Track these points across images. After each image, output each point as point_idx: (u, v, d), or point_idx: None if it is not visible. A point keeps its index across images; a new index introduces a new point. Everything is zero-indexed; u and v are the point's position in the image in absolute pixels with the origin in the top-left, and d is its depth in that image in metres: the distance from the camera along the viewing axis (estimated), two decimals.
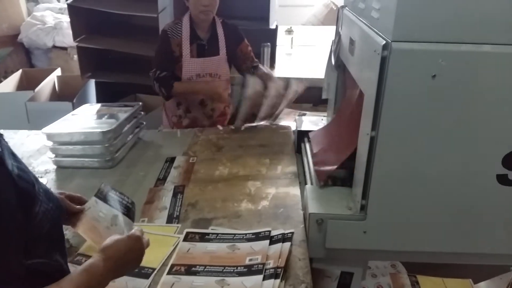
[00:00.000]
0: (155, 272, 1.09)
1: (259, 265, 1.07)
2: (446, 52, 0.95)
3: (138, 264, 0.85)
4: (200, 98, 2.08)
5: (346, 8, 1.45)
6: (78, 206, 0.93)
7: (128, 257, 0.81)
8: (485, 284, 1.63)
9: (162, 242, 1.20)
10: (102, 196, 0.95)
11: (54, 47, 4.03)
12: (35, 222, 0.69)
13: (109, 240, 0.81)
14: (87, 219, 0.92)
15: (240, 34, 2.09)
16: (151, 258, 1.13)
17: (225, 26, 2.05)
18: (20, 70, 3.43)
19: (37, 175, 1.27)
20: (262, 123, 1.91)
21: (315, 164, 1.39)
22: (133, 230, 0.87)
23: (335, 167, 1.25)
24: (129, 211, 0.97)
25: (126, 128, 1.74)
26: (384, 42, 0.96)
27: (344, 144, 1.29)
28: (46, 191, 0.78)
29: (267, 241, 1.15)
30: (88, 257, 1.13)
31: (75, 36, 2.84)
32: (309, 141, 1.58)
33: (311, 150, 1.50)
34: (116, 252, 0.79)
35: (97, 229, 0.91)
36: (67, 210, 0.92)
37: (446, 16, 0.93)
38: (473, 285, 1.61)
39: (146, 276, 1.08)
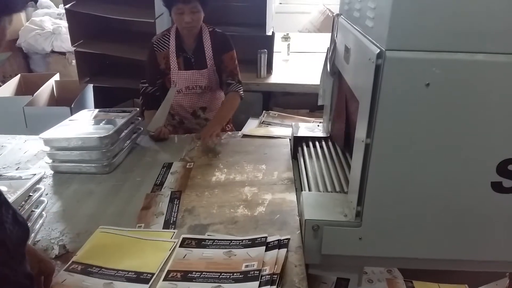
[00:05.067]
0: (154, 277, 1.09)
1: (255, 272, 1.07)
2: (440, 60, 0.96)
3: None
4: (191, 109, 2.09)
5: (342, 16, 1.46)
6: None
7: None
8: None
9: (158, 247, 1.20)
10: None
11: (53, 52, 4.04)
12: None
13: None
14: None
15: (229, 44, 2.01)
16: (148, 264, 1.13)
17: (214, 35, 1.99)
18: (19, 75, 3.43)
19: (34, 180, 1.28)
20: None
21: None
22: None
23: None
24: None
25: (123, 134, 1.74)
26: (378, 50, 0.97)
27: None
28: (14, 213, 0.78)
29: (263, 247, 1.16)
30: (84, 264, 1.14)
31: (73, 41, 2.84)
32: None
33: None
34: None
35: None
36: None
37: (440, 25, 0.95)
38: None
39: (145, 281, 1.08)
